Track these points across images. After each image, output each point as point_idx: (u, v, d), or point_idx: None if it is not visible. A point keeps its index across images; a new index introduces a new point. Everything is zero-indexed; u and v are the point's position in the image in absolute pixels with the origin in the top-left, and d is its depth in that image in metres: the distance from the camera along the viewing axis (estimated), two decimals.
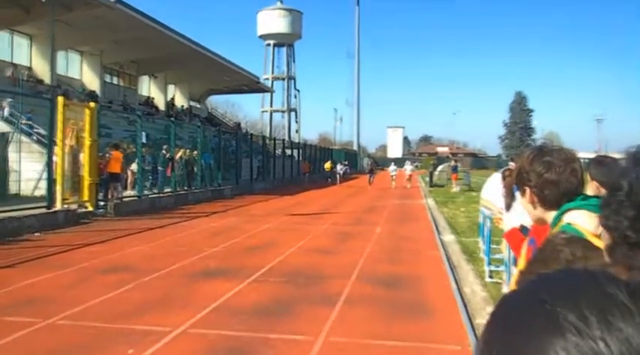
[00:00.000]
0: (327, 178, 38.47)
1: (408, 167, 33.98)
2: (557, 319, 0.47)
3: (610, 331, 0.45)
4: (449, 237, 12.71)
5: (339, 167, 38.34)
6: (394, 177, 33.57)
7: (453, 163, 34.96)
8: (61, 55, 33.93)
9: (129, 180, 20.80)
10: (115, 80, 40.08)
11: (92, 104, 16.68)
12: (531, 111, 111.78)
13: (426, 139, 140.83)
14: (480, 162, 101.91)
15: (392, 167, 34.85)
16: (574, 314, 0.47)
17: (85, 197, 15.65)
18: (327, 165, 42.74)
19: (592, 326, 0.46)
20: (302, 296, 7.08)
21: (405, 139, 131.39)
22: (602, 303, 0.47)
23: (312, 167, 43.52)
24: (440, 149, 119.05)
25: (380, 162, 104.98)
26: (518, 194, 1.96)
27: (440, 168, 41.92)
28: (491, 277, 8.08)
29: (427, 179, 38.31)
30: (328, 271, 8.61)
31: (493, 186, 7.19)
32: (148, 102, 42.56)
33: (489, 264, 8.41)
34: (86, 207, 15.68)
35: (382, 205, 21.64)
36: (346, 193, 28.34)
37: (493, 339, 0.52)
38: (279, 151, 40.00)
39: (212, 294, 7.04)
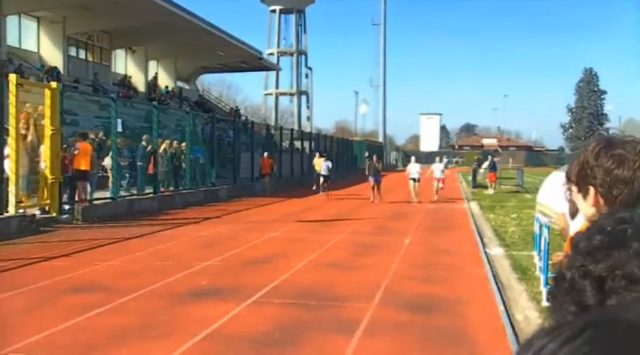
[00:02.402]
0: (313, 185, 29.40)
1: (438, 167, 26.80)
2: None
3: None
4: (496, 250, 12.65)
5: (323, 164, 27.53)
6: (417, 184, 24.55)
7: (490, 159, 34.57)
8: (12, 22, 33.79)
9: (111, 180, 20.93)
10: (82, 54, 40.21)
11: (54, 84, 16.75)
12: (603, 93, 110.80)
13: (468, 129, 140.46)
14: (537, 158, 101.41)
15: (412, 165, 25.19)
16: None
17: (46, 199, 15.75)
18: (316, 161, 30.23)
19: None
20: (313, 322, 7.09)
21: (443, 129, 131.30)
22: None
23: (273, 164, 31.57)
24: (486, 141, 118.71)
25: (411, 157, 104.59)
26: (577, 196, 1.90)
27: (485, 164, 41.80)
28: (549, 300, 8.01)
29: (470, 178, 38.20)
30: (345, 291, 8.61)
31: (553, 188, 7.15)
32: (125, 82, 42.73)
33: (547, 284, 8.36)
34: (47, 212, 15.78)
35: (413, 210, 21.58)
36: (364, 198, 28.29)
37: None
38: (286, 144, 40.06)
39: (203, 319, 7.06)
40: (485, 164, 38.95)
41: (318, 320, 7.17)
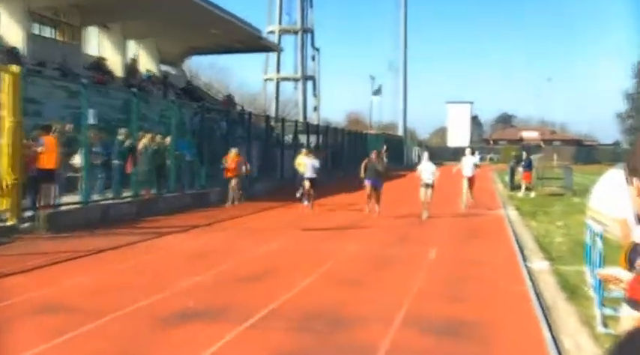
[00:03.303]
0: (297, 191, 25.02)
1: (469, 162, 24.56)
2: None
3: None
4: (539, 265, 12.62)
5: (308, 163, 23.34)
6: (429, 191, 21.04)
7: (525, 156, 34.44)
8: None
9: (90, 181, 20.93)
10: (48, 32, 40.25)
11: (14, 67, 16.75)
12: None
13: (505, 120, 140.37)
14: (587, 154, 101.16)
15: (424, 165, 21.53)
16: None
17: (4, 204, 15.72)
18: (300, 160, 26.44)
19: None
20: (321, 350, 7.07)
21: (475, 120, 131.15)
22: None
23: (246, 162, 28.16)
24: (526, 134, 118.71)
25: (437, 155, 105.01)
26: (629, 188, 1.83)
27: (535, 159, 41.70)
28: (605, 326, 7.95)
29: (507, 178, 38.12)
30: (359, 313, 8.58)
31: (608, 190, 7.08)
32: (98, 65, 42.77)
33: (602, 305, 8.28)
34: (5, 220, 15.76)
35: (439, 216, 21.51)
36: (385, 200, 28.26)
37: None
38: (289, 137, 40.07)
39: (190, 347, 7.04)
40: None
41: (328, 347, 7.16)
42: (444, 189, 35.52)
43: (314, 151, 26.09)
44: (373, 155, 21.83)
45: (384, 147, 55.40)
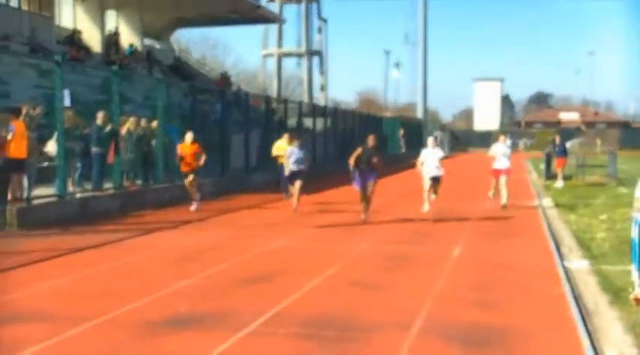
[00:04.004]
0: (283, 190, 24.33)
1: (502, 150, 22.47)
2: None
3: None
4: (579, 264, 12.65)
5: (293, 153, 20.91)
6: (436, 185, 19.47)
7: (558, 140, 34.26)
8: None
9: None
10: (13, 1, 40.23)
11: None
12: None
13: (540, 100, 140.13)
14: (636, 138, 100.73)
15: (429, 153, 19.50)
16: None
17: None
18: (279, 146, 25.46)
19: None
20: None
21: (506, 100, 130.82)
22: None
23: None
24: (565, 115, 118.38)
25: (462, 138, 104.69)
26: None
27: (569, 145, 41.61)
28: None
29: (542, 166, 38.10)
30: (373, 318, 8.65)
31: None
32: (73, 39, 42.76)
33: None
34: None
35: (463, 208, 21.53)
36: (396, 193, 28.28)
37: None
38: (293, 121, 40.04)
39: None
40: (566, 145, 38.16)
41: None
42: (468, 178, 35.56)
43: (298, 136, 22.33)
44: (370, 140, 18.80)
45: (401, 131, 55.58)
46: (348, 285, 10.65)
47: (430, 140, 20.14)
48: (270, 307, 9.08)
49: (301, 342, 7.67)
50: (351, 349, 7.42)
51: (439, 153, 19.64)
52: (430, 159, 19.22)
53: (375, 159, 18.41)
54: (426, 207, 19.38)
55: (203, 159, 21.46)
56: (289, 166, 20.64)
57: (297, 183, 20.35)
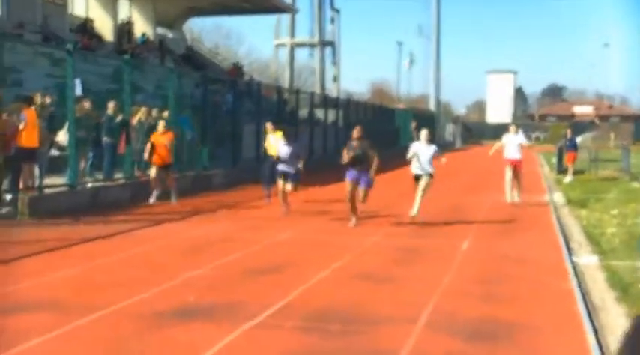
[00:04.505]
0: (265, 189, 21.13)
1: (513, 141, 21.69)
2: None
3: None
4: (587, 259, 12.65)
5: (282, 147, 18.47)
6: (425, 184, 17.14)
7: (569, 134, 34.08)
8: None
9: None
10: None
11: None
12: None
13: (554, 93, 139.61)
14: None
15: (419, 147, 17.32)
16: None
17: None
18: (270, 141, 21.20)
19: None
20: (335, 352, 7.19)
21: (519, 93, 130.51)
22: None
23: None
24: (579, 109, 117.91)
25: (474, 131, 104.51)
26: None
27: (578, 140, 41.55)
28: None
29: (554, 160, 38.04)
30: (380, 311, 8.70)
31: None
32: (86, 28, 42.81)
33: None
34: None
35: (474, 202, 21.54)
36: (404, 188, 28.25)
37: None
38: (304, 112, 40.05)
39: (189, 348, 7.18)
40: (578, 139, 37.90)
41: (344, 350, 7.27)
42: (480, 171, 35.53)
43: (287, 129, 20.21)
44: (355, 132, 16.73)
45: (414, 123, 55.31)
46: (356, 278, 10.68)
47: (424, 133, 17.51)
48: (277, 299, 9.14)
49: (306, 334, 7.74)
50: (357, 342, 7.47)
51: (430, 148, 17.21)
52: (421, 152, 17.04)
53: (370, 155, 16.33)
54: (414, 211, 16.83)
55: (172, 151, 20.53)
56: (278, 164, 18.28)
57: (287, 187, 18.04)
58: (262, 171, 20.83)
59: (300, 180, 18.51)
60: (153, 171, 20.26)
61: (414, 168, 17.21)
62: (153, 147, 20.19)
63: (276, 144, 19.32)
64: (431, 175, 17.12)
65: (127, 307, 8.77)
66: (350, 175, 16.32)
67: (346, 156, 16.28)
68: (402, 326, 8.05)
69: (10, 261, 11.69)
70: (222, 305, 8.86)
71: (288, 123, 28.74)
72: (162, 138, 20.14)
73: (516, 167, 21.20)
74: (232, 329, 7.80)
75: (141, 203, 19.89)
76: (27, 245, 13.06)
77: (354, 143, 16.46)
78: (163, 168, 20.22)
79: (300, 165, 18.33)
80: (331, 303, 9.08)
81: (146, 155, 20.58)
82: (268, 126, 21.74)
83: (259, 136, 31.28)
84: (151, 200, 20.15)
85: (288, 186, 18.03)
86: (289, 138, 18.98)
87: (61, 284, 10.08)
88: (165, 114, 24.07)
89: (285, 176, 17.99)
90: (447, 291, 9.91)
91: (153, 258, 12.38)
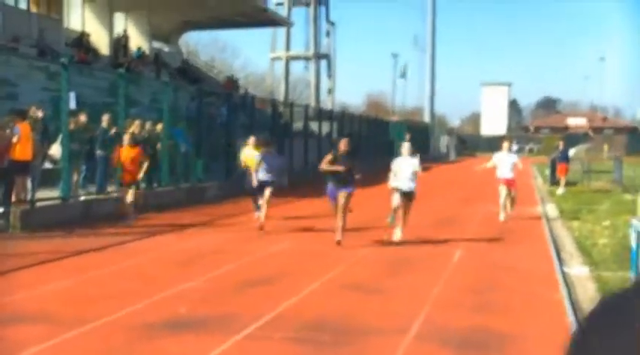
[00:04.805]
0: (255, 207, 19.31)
1: (506, 160, 20.35)
2: None
3: None
4: (579, 270, 12.68)
5: (261, 160, 17.80)
6: (407, 201, 15.79)
7: (561, 146, 34.19)
8: None
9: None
10: (22, 4, 40.36)
11: None
12: None
13: (548, 105, 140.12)
14: None
15: (402, 163, 15.98)
16: None
17: None
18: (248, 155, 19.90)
19: None
20: None
21: (513, 105, 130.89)
22: None
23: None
24: (572, 121, 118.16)
25: (469, 143, 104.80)
26: None
27: (571, 152, 41.66)
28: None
29: (547, 172, 38.12)
30: (370, 322, 8.72)
31: None
32: (82, 42, 42.89)
33: None
34: None
35: (466, 214, 21.56)
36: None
37: (589, 345, 0.61)
38: (299, 125, 40.12)
39: None
40: (572, 151, 37.88)
41: None
42: (473, 183, 35.55)
43: (268, 141, 19.17)
44: (342, 144, 15.62)
45: (407, 135, 55.47)
46: (347, 289, 10.71)
47: (405, 146, 16.34)
48: (268, 310, 9.14)
49: (297, 345, 7.76)
50: (347, 353, 7.49)
51: (414, 163, 15.84)
52: (403, 169, 15.69)
53: (350, 167, 15.07)
54: (398, 234, 15.44)
55: (144, 168, 18.77)
56: (258, 175, 17.47)
57: (266, 192, 17.23)
58: (247, 184, 19.19)
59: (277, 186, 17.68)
60: (129, 196, 18.32)
61: (395, 182, 15.75)
62: (120, 164, 18.66)
63: (254, 156, 18.38)
64: (414, 193, 15.73)
65: (119, 319, 8.76)
66: (332, 193, 15.30)
67: (327, 165, 15.10)
68: (392, 336, 8.06)
69: (2, 273, 11.66)
70: (213, 317, 8.86)
71: (276, 137, 28.66)
72: (127, 152, 18.49)
73: (510, 186, 20.09)
74: (223, 339, 7.81)
75: (139, 214, 19.83)
76: (18, 258, 13.02)
77: (341, 156, 15.27)
78: (132, 184, 18.49)
79: (284, 178, 18.21)
80: (322, 314, 9.09)
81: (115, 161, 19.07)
82: (252, 140, 20.57)
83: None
84: (130, 221, 18.14)
85: (266, 192, 17.20)
86: (273, 150, 18.54)
87: (53, 297, 10.06)
88: (160, 127, 24.09)
89: (265, 183, 17.32)
90: (438, 301, 9.93)
91: (145, 270, 12.37)
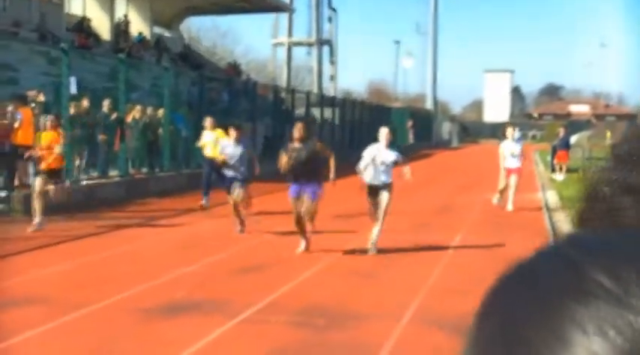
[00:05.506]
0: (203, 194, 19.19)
1: (511, 148, 19.92)
2: (583, 281, 0.56)
3: None
4: None
5: (230, 148, 15.07)
6: (385, 199, 12.79)
7: (563, 132, 34.03)
8: None
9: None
10: None
11: None
12: None
13: (551, 92, 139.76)
14: None
15: (376, 151, 12.89)
16: (608, 277, 0.56)
17: None
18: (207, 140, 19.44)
19: (631, 294, 0.55)
20: (320, 347, 7.32)
21: (516, 92, 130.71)
22: None
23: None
24: (575, 108, 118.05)
25: (471, 130, 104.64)
26: None
27: (573, 139, 41.55)
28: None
29: (549, 158, 38.08)
30: (365, 307, 8.84)
31: None
32: (83, 27, 42.84)
33: None
34: None
35: (466, 202, 21.60)
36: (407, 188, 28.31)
37: (488, 314, 0.62)
38: (301, 111, 40.14)
39: (176, 342, 7.30)
40: (574, 138, 37.70)
41: (327, 344, 7.42)
42: (475, 170, 35.57)
43: (237, 126, 15.81)
44: (296, 131, 12.89)
45: (410, 122, 55.53)
46: (343, 275, 10.85)
47: (384, 132, 13.07)
48: (265, 295, 9.26)
49: (292, 329, 7.87)
50: (340, 337, 7.58)
51: (390, 154, 12.84)
52: (378, 157, 12.71)
53: (310, 159, 12.58)
54: (372, 239, 12.73)
55: (55, 154, 15.05)
56: (226, 169, 15.14)
57: (236, 193, 14.80)
58: (206, 176, 18.75)
59: (247, 185, 15.29)
60: (38, 183, 14.87)
61: (368, 177, 12.81)
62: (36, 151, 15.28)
63: (216, 143, 16.63)
64: (390, 188, 12.80)
65: (117, 302, 8.87)
66: (293, 191, 12.70)
67: (284, 162, 12.59)
68: (386, 320, 8.17)
69: (3, 256, 11.78)
70: (210, 301, 8.99)
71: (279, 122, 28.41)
72: (45, 137, 15.28)
73: (516, 174, 19.86)
74: (220, 323, 7.91)
75: (135, 200, 19.94)
76: (19, 242, 13.15)
77: (296, 145, 12.70)
78: (49, 174, 15.04)
79: (254, 167, 16.14)
80: (317, 299, 9.20)
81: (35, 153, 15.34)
82: (208, 121, 19.48)
83: (255, 135, 31.47)
84: (35, 221, 14.53)
85: (238, 194, 14.81)
86: (239, 136, 15.15)
87: (51, 281, 10.17)
88: (161, 112, 24.14)
89: (233, 181, 14.92)
90: (434, 287, 10.03)
91: (145, 254, 12.50)
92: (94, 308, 8.53)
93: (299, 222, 12.63)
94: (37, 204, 14.51)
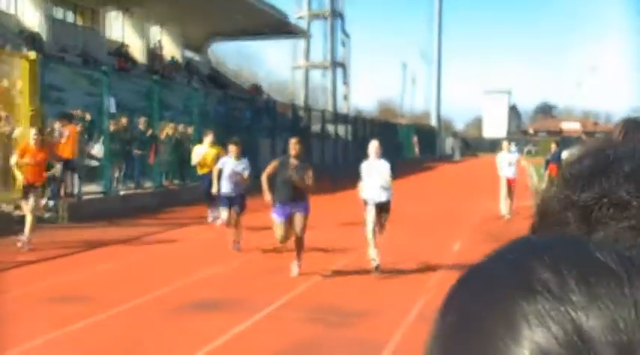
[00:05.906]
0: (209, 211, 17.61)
1: (507, 159, 20.11)
2: (529, 279, 0.58)
3: (592, 299, 0.56)
4: None
5: (228, 164, 14.24)
6: (383, 215, 11.59)
7: (554, 147, 33.99)
8: None
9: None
10: (69, 17, 40.49)
11: (32, 54, 17.10)
12: None
13: (545, 110, 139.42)
14: None
15: (371, 165, 11.34)
16: (551, 275, 0.58)
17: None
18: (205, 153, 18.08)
19: (571, 291, 0.57)
20: (330, 342, 7.47)
21: (513, 110, 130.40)
22: (586, 267, 0.59)
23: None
24: (566, 125, 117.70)
25: (472, 145, 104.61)
26: None
27: (565, 154, 41.32)
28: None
29: (542, 171, 38.02)
30: (375, 305, 8.96)
31: None
32: (121, 51, 43.15)
33: None
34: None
35: (468, 210, 21.62)
36: (413, 190, 28.34)
37: (448, 309, 0.62)
38: (317, 127, 40.29)
39: (203, 336, 7.43)
40: (566, 153, 37.82)
41: (338, 339, 7.54)
42: (475, 180, 35.58)
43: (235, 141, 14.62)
44: (292, 148, 11.33)
45: (415, 137, 55.43)
46: (356, 276, 10.93)
47: (373, 145, 11.46)
48: (286, 293, 9.42)
49: (307, 324, 7.99)
50: (350, 333, 7.69)
51: (383, 167, 11.23)
52: (374, 176, 11.24)
53: (299, 178, 10.88)
54: (372, 253, 11.15)
55: (57, 168, 15.21)
56: (221, 187, 13.96)
57: (234, 214, 13.84)
58: (205, 191, 16.90)
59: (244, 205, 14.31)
60: (25, 201, 13.27)
61: (372, 195, 11.31)
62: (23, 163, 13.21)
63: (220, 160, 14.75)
64: (389, 203, 11.58)
65: (152, 299, 9.04)
66: (282, 214, 11.13)
67: (269, 169, 11.66)
68: (394, 317, 8.28)
69: (52, 258, 12.03)
70: (237, 299, 9.12)
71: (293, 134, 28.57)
72: (33, 151, 13.20)
73: (511, 185, 20.06)
74: (245, 318, 8.04)
75: (167, 208, 20.08)
76: (66, 245, 13.37)
77: (294, 162, 11.14)
78: (37, 187, 13.44)
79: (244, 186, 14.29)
80: (333, 297, 9.32)
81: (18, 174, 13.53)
82: (209, 136, 18.09)
83: (275, 150, 31.59)
84: (19, 244, 12.78)
85: (234, 214, 13.85)
86: (239, 153, 14.28)
87: (95, 279, 10.37)
88: (191, 129, 24.28)
89: (232, 200, 13.96)
90: (437, 287, 9.96)
91: (176, 256, 12.66)
92: (132, 305, 8.69)
93: (285, 239, 11.39)
94: (30, 225, 12.91)
